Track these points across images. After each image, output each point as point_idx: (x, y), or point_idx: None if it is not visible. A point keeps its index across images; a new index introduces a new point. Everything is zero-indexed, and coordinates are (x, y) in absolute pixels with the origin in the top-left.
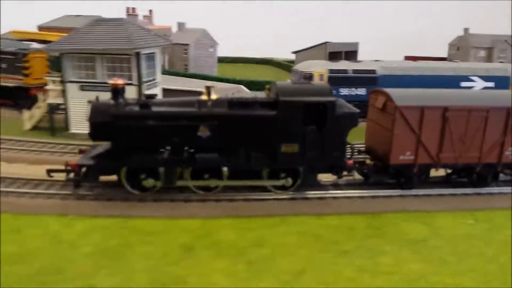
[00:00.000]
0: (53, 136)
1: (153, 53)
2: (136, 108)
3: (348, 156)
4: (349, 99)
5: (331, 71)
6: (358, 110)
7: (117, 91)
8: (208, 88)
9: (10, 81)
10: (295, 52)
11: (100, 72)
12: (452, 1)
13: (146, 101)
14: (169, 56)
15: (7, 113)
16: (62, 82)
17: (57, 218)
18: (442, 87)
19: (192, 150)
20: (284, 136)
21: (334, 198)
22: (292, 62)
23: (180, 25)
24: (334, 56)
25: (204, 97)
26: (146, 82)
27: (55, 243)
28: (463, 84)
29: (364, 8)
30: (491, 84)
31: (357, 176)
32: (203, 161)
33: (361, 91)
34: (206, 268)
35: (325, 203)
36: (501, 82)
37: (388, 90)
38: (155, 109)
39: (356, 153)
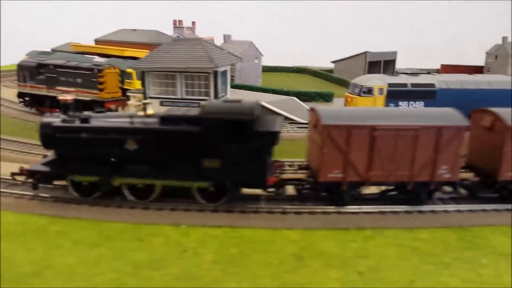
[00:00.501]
0: None
1: (226, 70)
2: (74, 123)
3: (275, 173)
4: None
5: (390, 85)
6: (279, 130)
7: (66, 106)
8: (145, 104)
9: (86, 95)
10: (334, 62)
11: (179, 88)
12: (488, 7)
13: (86, 116)
14: None
15: None
16: (144, 97)
17: (172, 228)
18: (500, 101)
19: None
20: (207, 151)
21: (420, 212)
22: (329, 70)
23: (226, 37)
24: (373, 65)
25: (141, 113)
26: (221, 97)
27: (180, 251)
28: None
29: (398, 15)
30: None
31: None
32: (132, 172)
33: (419, 104)
34: (322, 277)
35: (413, 217)
36: None
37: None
38: (93, 123)
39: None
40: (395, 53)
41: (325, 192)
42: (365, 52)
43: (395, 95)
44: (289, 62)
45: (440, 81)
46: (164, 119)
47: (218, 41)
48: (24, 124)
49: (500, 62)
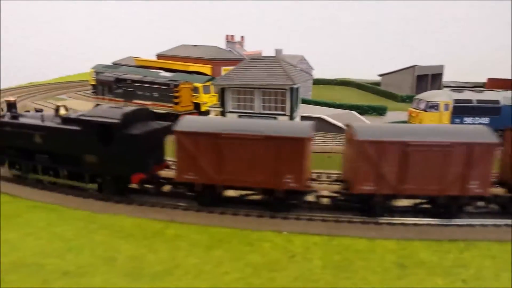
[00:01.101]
0: None
1: (299, 86)
2: (6, 119)
3: (150, 171)
4: None
5: (456, 100)
6: (141, 132)
7: (10, 105)
8: (57, 107)
9: (162, 108)
10: (381, 75)
11: (257, 104)
12: None
13: (17, 113)
14: None
15: None
16: (223, 112)
17: (275, 234)
18: None
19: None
20: (87, 148)
21: (507, 225)
22: (374, 83)
23: (278, 51)
24: (420, 79)
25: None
26: (294, 112)
27: (290, 256)
28: None
29: (442, 27)
30: None
31: None
32: (38, 160)
33: (484, 120)
34: (428, 284)
35: (502, 230)
36: None
37: None
38: (21, 120)
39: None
40: (442, 67)
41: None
42: (414, 66)
43: (460, 111)
44: (329, 75)
45: (505, 97)
46: (65, 119)
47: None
48: None
49: None
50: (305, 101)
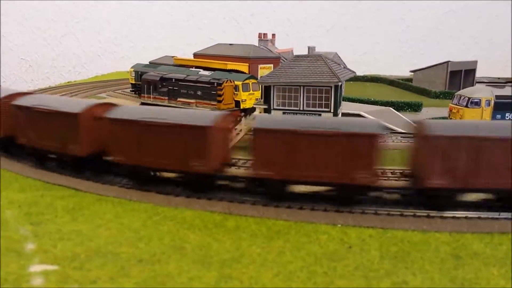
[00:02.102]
0: None
1: (342, 83)
2: None
3: None
4: None
5: (498, 97)
6: None
7: None
8: None
9: (205, 106)
10: (413, 71)
11: (301, 101)
12: None
13: None
14: None
15: None
16: (268, 109)
17: (330, 227)
18: None
19: None
20: None
21: None
22: (407, 80)
23: (311, 49)
24: (453, 75)
25: None
26: (338, 108)
27: (347, 247)
28: None
29: (476, 22)
30: None
31: None
32: None
33: None
34: (485, 273)
35: None
36: None
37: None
38: None
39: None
40: (475, 63)
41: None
42: (447, 62)
43: (502, 106)
44: (359, 72)
45: None
46: None
47: (300, 52)
48: None
49: None
50: (348, 99)
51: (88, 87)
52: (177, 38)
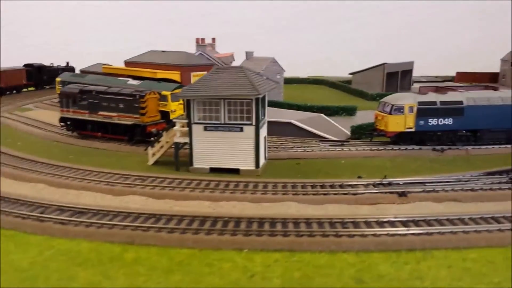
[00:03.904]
0: (178, 170)
1: (264, 95)
2: None
3: None
4: (437, 128)
5: (420, 103)
6: None
7: None
8: None
9: (127, 120)
10: (352, 73)
11: (223, 114)
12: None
13: None
14: None
15: (124, 148)
16: (189, 123)
17: (236, 253)
18: None
19: None
20: None
21: (465, 232)
22: (347, 81)
23: (249, 54)
24: (390, 76)
25: None
26: (261, 121)
27: (249, 276)
28: None
29: (415, 22)
30: None
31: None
32: None
33: (449, 121)
34: None
35: (459, 237)
36: None
37: None
38: None
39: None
40: (411, 63)
41: None
42: (383, 64)
43: (425, 112)
44: (304, 73)
45: (468, 98)
46: None
47: (240, 57)
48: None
49: None
50: (276, 104)
51: (15, 98)
52: (119, 42)
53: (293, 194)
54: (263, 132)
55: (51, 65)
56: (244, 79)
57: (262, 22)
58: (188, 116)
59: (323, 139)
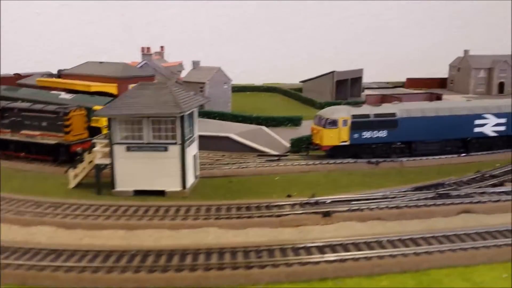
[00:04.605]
0: (100, 194)
1: (193, 111)
2: None
3: None
4: (372, 141)
5: (354, 116)
6: None
7: None
8: None
9: (51, 139)
10: (303, 81)
11: (146, 133)
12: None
13: None
14: None
15: (48, 169)
16: (110, 144)
17: None
18: (458, 127)
19: None
20: None
21: (379, 257)
22: (298, 89)
23: (195, 63)
24: (340, 83)
25: None
26: (188, 139)
27: None
28: (477, 122)
29: (366, 28)
30: (503, 120)
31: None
32: None
33: (383, 133)
34: None
35: (372, 263)
36: None
37: None
38: None
39: None
40: (361, 71)
41: None
42: (332, 72)
43: (359, 125)
44: (259, 80)
45: (402, 110)
46: None
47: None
48: None
49: (462, 75)
50: (221, 115)
51: None
52: (63, 50)
53: (215, 218)
54: (192, 150)
55: None
56: (167, 96)
57: (217, 29)
58: (110, 136)
59: (262, 154)
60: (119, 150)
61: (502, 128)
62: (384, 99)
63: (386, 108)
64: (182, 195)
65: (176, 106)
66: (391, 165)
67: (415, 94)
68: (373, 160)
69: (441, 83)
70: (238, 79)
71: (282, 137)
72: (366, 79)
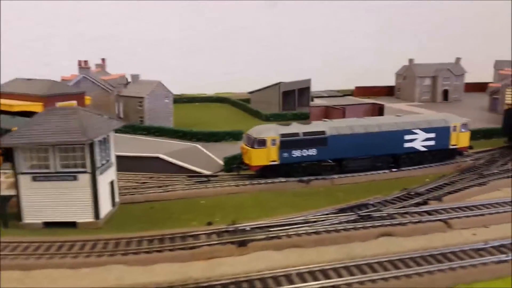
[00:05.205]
0: (6, 227)
1: (107, 135)
2: None
3: None
4: (301, 160)
5: (283, 135)
6: None
7: None
8: None
9: None
10: (250, 93)
11: (53, 162)
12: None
13: None
14: (124, 108)
15: None
16: (15, 174)
17: None
18: (388, 143)
19: None
20: None
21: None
22: (246, 100)
23: (134, 77)
24: (287, 94)
25: None
26: (100, 167)
27: None
28: (407, 137)
29: (315, 38)
30: (432, 135)
31: None
32: None
33: (312, 152)
34: None
35: None
36: (441, 132)
37: None
38: None
39: None
40: (309, 81)
41: None
42: (279, 83)
43: (288, 144)
44: (211, 90)
45: (331, 127)
46: None
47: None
48: None
49: (408, 83)
50: (162, 130)
51: None
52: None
53: (122, 254)
54: (108, 176)
55: None
56: (75, 122)
57: (169, 39)
58: (13, 165)
59: (192, 174)
60: (25, 180)
61: (432, 142)
62: (327, 110)
63: (315, 126)
64: (95, 226)
65: (83, 134)
66: (322, 183)
67: (359, 105)
68: (304, 178)
69: (389, 91)
70: (190, 89)
71: (221, 154)
72: (321, 87)
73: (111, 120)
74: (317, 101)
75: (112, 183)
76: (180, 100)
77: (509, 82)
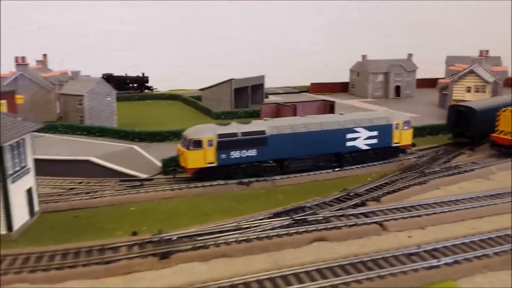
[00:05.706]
0: None
1: (19, 141)
2: None
3: None
4: (241, 161)
5: (220, 135)
6: None
7: None
8: None
9: None
10: (202, 89)
11: None
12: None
13: None
14: (63, 107)
15: None
16: None
17: None
18: (330, 142)
19: None
20: None
21: None
22: (197, 97)
23: (74, 74)
24: (240, 91)
25: None
26: (13, 174)
27: None
28: (349, 136)
29: (271, 34)
30: (375, 133)
31: None
32: None
33: (252, 152)
34: None
35: None
36: (384, 130)
37: None
38: None
39: None
40: (262, 77)
41: None
42: (230, 80)
43: (225, 145)
44: (164, 87)
45: (271, 127)
46: None
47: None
48: None
49: (361, 79)
50: (103, 130)
51: None
52: None
53: (30, 271)
54: (24, 184)
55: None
56: None
57: (122, 35)
58: None
59: (125, 179)
60: None
61: (374, 141)
62: (278, 108)
63: (254, 126)
64: (8, 239)
65: None
66: (263, 184)
67: (310, 102)
68: (244, 180)
69: (344, 87)
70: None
71: (161, 155)
72: (277, 84)
73: (26, 122)
74: (271, 98)
75: (29, 190)
76: (129, 97)
77: (456, 78)
